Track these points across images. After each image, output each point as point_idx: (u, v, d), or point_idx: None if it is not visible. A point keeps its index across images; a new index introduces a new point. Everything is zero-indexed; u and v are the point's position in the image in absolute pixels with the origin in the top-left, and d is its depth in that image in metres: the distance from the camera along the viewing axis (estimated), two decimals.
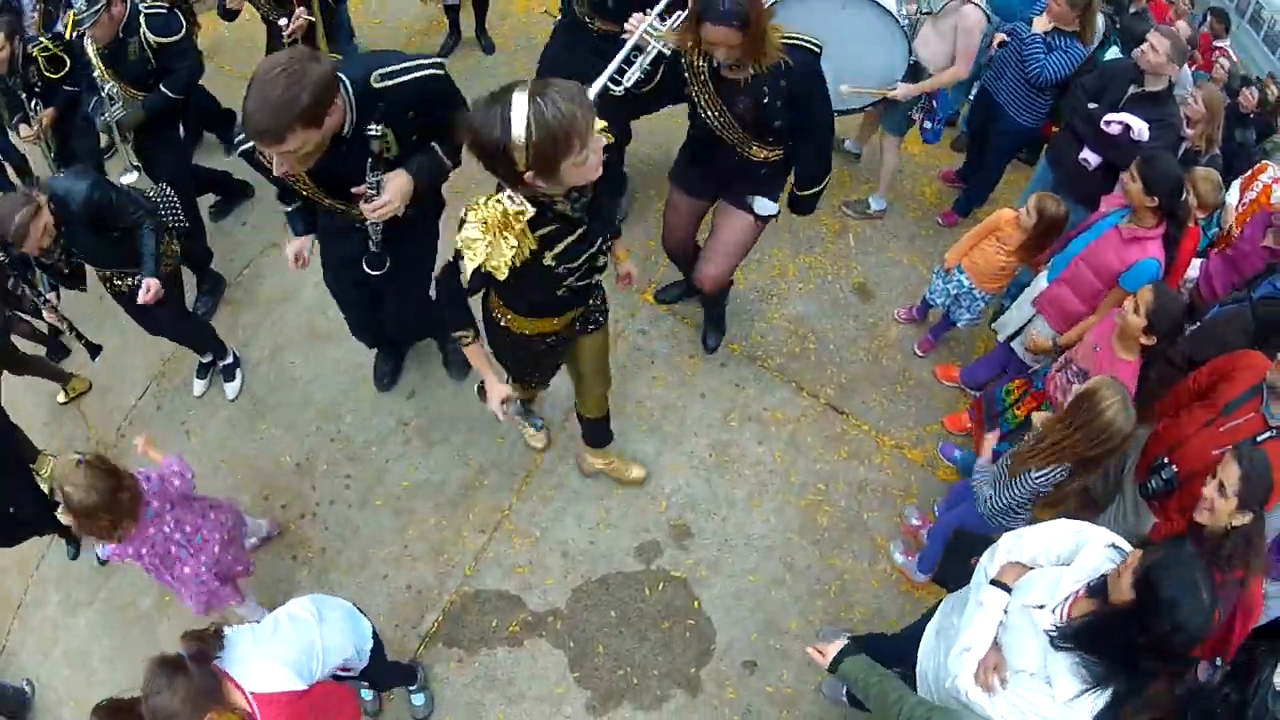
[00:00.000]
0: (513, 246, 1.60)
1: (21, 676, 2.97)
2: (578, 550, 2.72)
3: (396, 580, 2.73)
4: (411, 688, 2.50)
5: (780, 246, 3.26)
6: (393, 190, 1.97)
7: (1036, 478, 2.02)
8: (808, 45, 2.15)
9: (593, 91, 2.63)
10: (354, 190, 1.97)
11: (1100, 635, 1.45)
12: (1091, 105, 2.97)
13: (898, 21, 2.94)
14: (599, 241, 1.82)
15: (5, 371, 3.05)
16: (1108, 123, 2.87)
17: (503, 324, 2.02)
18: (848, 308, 3.16)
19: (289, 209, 2.28)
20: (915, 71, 3.06)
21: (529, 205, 1.57)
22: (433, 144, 2.03)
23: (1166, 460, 2.39)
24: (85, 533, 2.11)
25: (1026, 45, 2.98)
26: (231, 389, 3.13)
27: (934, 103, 3.21)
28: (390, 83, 1.85)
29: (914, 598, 2.72)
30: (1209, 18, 4.27)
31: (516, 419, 1.85)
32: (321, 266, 2.52)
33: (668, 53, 2.27)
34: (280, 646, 1.81)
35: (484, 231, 1.58)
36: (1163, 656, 1.44)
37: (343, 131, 1.84)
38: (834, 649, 1.75)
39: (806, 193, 2.51)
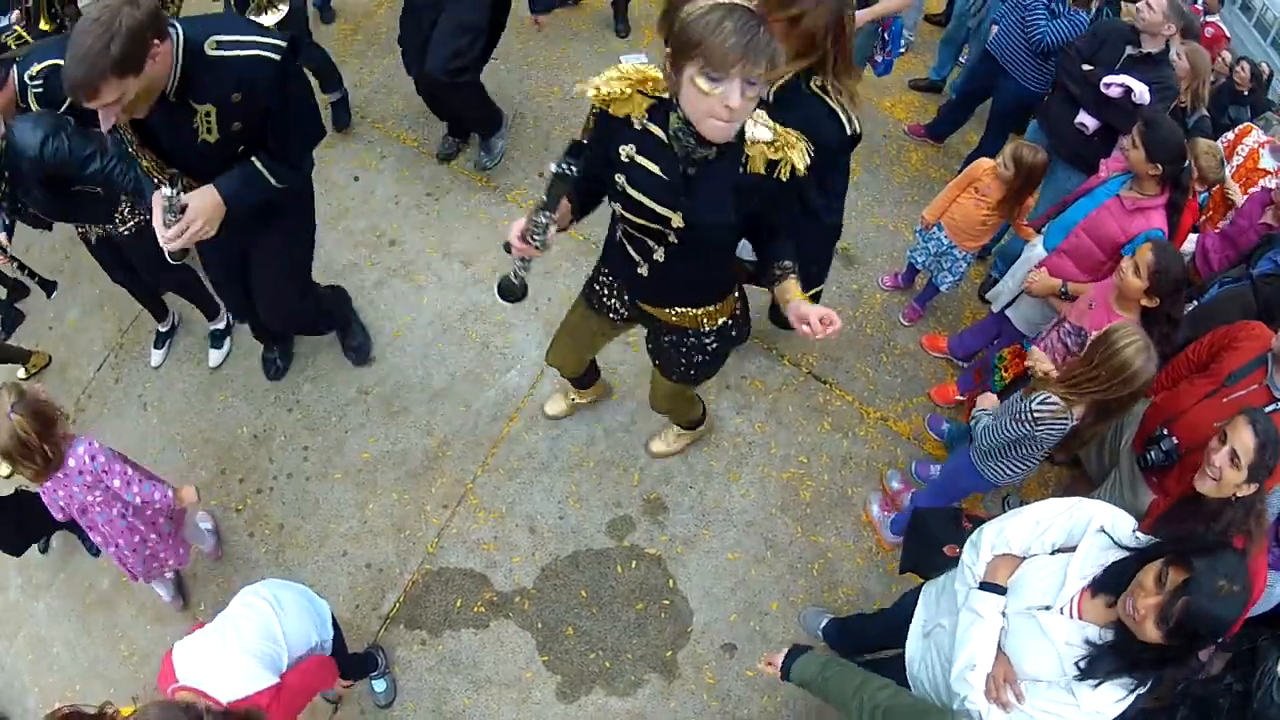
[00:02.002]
0: (639, 100, 1.35)
1: None
2: (546, 526, 2.45)
3: (356, 558, 2.46)
4: (373, 674, 2.23)
5: None
6: (195, 210, 1.66)
7: (1038, 409, 1.78)
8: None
9: None
10: (152, 203, 1.67)
11: (1135, 665, 1.24)
12: (1086, 67, 2.73)
13: None
14: (682, 222, 1.40)
15: None
16: (1108, 85, 2.63)
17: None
18: (832, 273, 2.89)
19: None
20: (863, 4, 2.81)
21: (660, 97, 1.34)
22: (253, 158, 1.73)
23: (1166, 432, 2.16)
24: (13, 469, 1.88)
25: (1029, 10, 2.77)
26: (215, 356, 2.84)
27: (885, 35, 2.96)
28: (222, 53, 1.59)
29: (900, 577, 2.45)
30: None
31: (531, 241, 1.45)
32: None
33: None
34: (242, 645, 1.62)
35: (620, 77, 1.36)
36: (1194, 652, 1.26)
37: (167, 91, 1.59)
38: (780, 657, 1.57)
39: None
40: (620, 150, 1.38)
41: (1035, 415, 1.81)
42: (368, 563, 2.46)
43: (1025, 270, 2.48)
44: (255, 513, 2.60)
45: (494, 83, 3.39)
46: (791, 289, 1.45)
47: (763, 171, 1.34)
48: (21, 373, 3.14)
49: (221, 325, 2.84)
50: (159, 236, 1.68)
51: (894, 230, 3.04)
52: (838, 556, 2.49)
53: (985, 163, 2.59)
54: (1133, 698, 1.26)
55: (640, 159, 1.37)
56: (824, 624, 2.34)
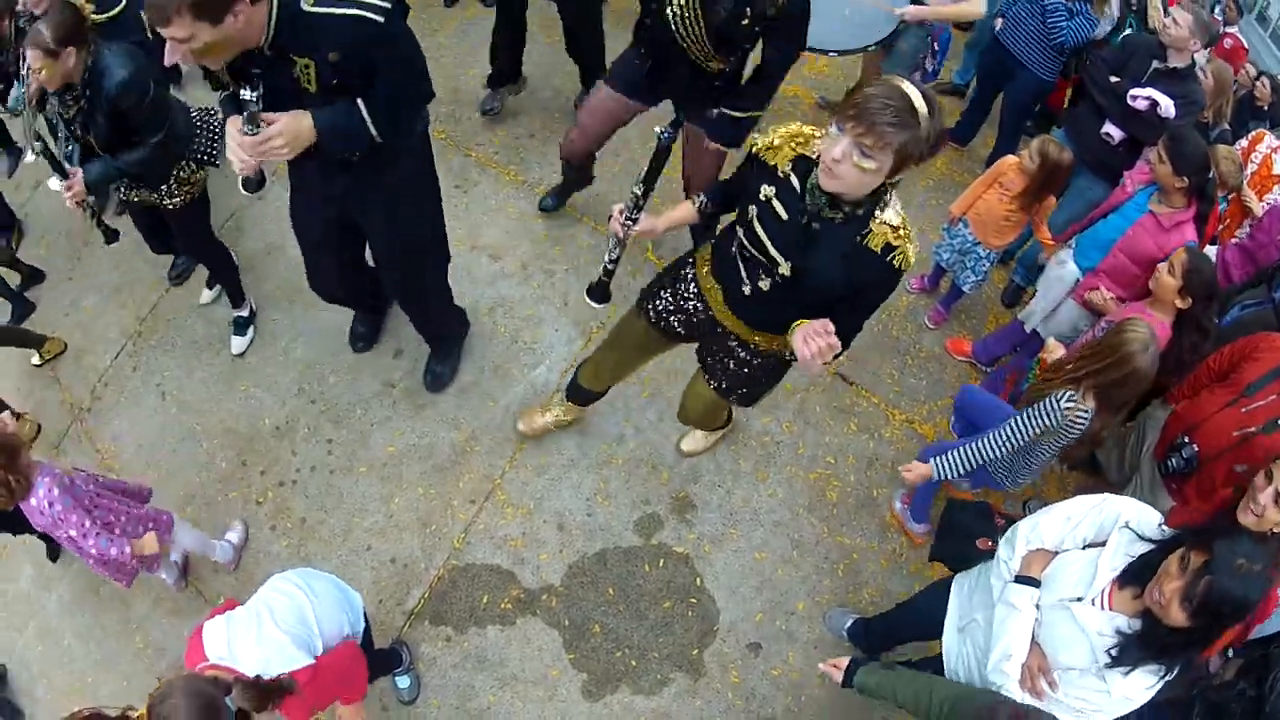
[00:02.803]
0: (786, 151, 1.43)
1: None
2: (574, 523, 2.42)
3: (381, 553, 2.41)
4: (396, 671, 2.19)
5: None
6: (280, 126, 1.58)
7: (1065, 405, 1.81)
8: None
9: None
10: (230, 121, 1.62)
11: (1160, 651, 1.29)
12: (1114, 79, 2.73)
13: None
14: (789, 271, 1.46)
15: None
16: (1134, 97, 2.64)
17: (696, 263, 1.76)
18: None
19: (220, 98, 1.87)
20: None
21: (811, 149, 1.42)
22: (357, 101, 1.65)
23: (1187, 439, 2.17)
24: None
25: (1050, 12, 2.77)
26: (238, 343, 2.79)
27: (935, 45, 2.97)
28: (323, 10, 1.52)
29: (923, 578, 2.45)
30: (1218, 6, 4.06)
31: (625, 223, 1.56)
32: (290, 195, 2.12)
33: None
34: (276, 627, 1.58)
35: (785, 136, 1.46)
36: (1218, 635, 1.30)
37: (261, 45, 1.53)
38: (844, 662, 1.59)
39: (742, 116, 2.24)
40: (762, 188, 1.46)
41: (1064, 414, 1.83)
42: (392, 557, 2.41)
43: (1058, 289, 2.49)
44: (277, 506, 2.54)
45: (539, 74, 3.34)
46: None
47: (878, 250, 1.37)
48: (36, 357, 3.07)
49: (245, 313, 2.79)
50: (230, 150, 1.60)
51: (920, 233, 3.02)
52: (862, 557, 2.48)
53: (1011, 159, 2.59)
54: (1161, 684, 1.30)
55: (775, 202, 1.44)
56: (849, 624, 2.32)
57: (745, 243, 1.52)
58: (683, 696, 2.26)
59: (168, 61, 1.51)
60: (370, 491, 2.49)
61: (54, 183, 2.98)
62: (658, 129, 1.48)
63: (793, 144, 1.44)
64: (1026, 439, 1.91)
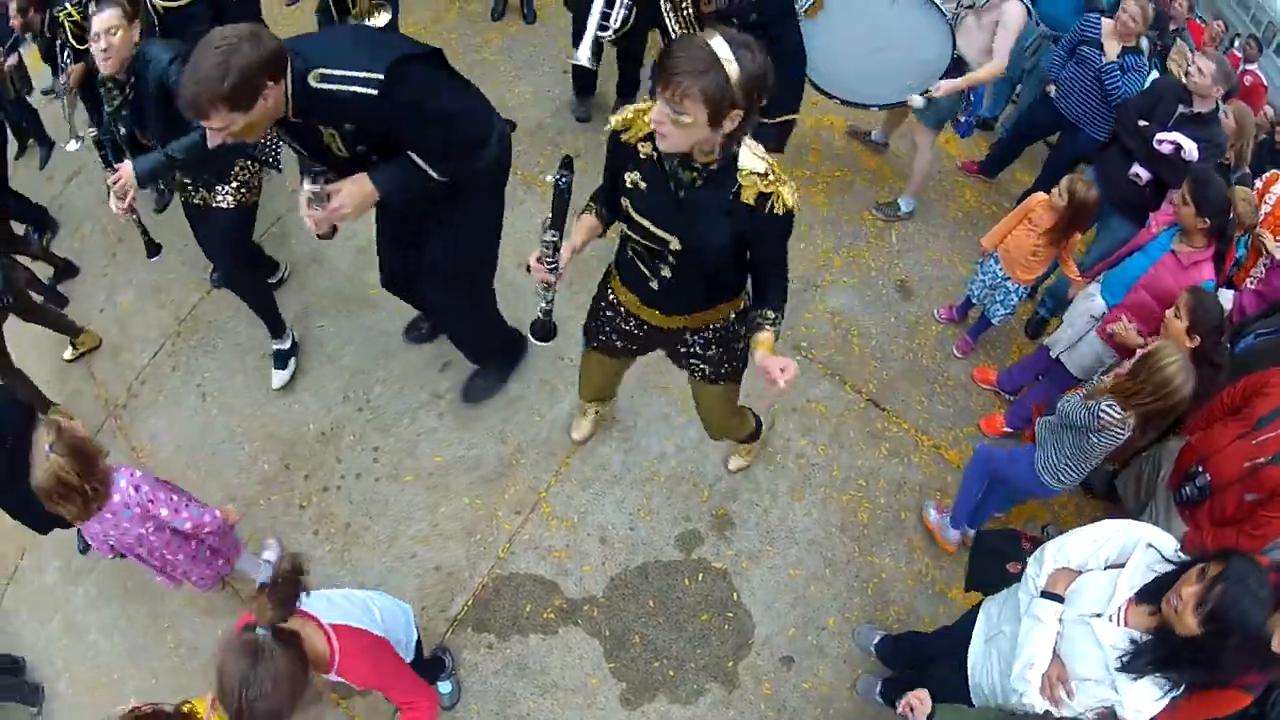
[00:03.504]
0: (640, 125, 1.42)
1: (14, 646, 2.63)
2: (617, 536, 2.48)
3: (425, 560, 2.47)
4: (438, 676, 2.24)
5: (825, 237, 3.08)
6: (342, 198, 1.69)
7: (1104, 412, 1.94)
8: None
9: (584, 49, 2.49)
10: (299, 195, 1.73)
11: (1171, 661, 1.39)
12: (1142, 122, 2.85)
13: (944, 16, 2.78)
14: (680, 245, 1.48)
15: (12, 317, 2.69)
16: (1160, 141, 2.75)
17: (610, 280, 1.80)
18: (890, 304, 2.98)
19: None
20: (957, 64, 2.91)
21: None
22: (407, 154, 1.72)
23: (1201, 469, 2.30)
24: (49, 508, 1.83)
25: (1107, 74, 2.92)
26: (279, 378, 2.75)
27: (971, 97, 3.08)
28: (324, 87, 1.58)
29: (947, 598, 2.56)
30: (1238, 40, 4.20)
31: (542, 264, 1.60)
32: None
33: None
34: (338, 605, 1.62)
35: (639, 110, 1.45)
36: (1238, 662, 1.38)
37: (286, 115, 1.60)
38: (926, 704, 1.64)
39: (774, 121, 2.35)
40: (626, 177, 1.48)
41: (1101, 418, 1.95)
42: (437, 565, 2.46)
43: (1084, 321, 2.59)
44: (320, 511, 2.58)
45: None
46: (764, 340, 1.56)
47: (753, 203, 1.40)
48: (69, 351, 3.08)
49: (286, 345, 2.76)
50: (303, 212, 1.71)
51: (948, 264, 3.13)
52: (890, 577, 2.57)
53: (1040, 196, 2.70)
54: (1168, 699, 1.40)
55: (642, 184, 1.47)
56: (876, 640, 2.42)
57: (634, 236, 1.54)
58: (717, 707, 2.34)
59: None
60: (416, 500, 2.54)
61: (71, 146, 2.94)
62: (551, 177, 1.50)
63: (645, 118, 1.43)
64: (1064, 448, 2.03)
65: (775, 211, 1.39)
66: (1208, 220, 2.32)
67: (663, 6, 2.06)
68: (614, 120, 1.48)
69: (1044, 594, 1.58)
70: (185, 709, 1.57)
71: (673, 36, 2.08)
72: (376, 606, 1.74)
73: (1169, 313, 2.21)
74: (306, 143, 1.69)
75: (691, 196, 1.41)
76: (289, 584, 1.42)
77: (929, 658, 2.27)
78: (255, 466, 2.68)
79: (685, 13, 2.04)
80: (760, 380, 1.51)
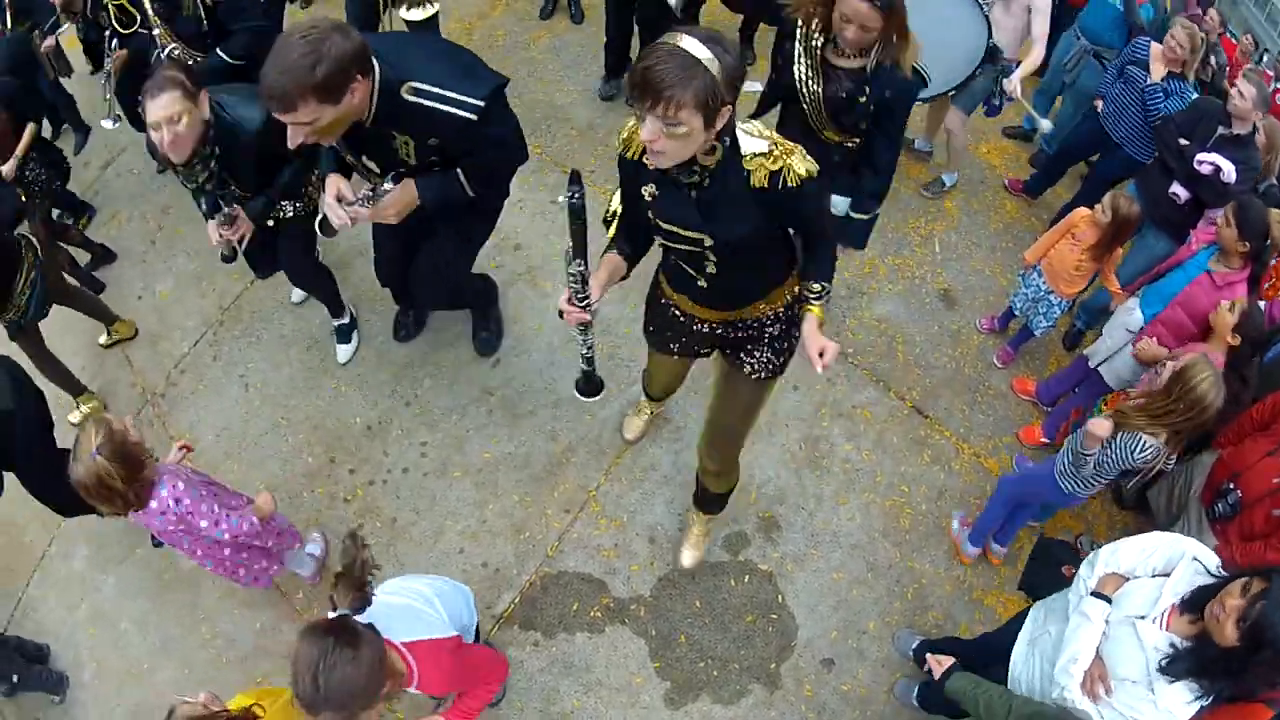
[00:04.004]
0: (637, 140, 1.36)
1: (39, 633, 2.62)
2: (665, 537, 2.51)
3: (473, 556, 2.48)
4: None
5: (871, 245, 3.09)
6: (390, 201, 1.76)
7: (1145, 447, 1.99)
8: (921, 73, 2.05)
9: None
10: (345, 198, 1.75)
11: (1209, 669, 1.46)
12: (1183, 142, 2.91)
13: (980, 7, 2.82)
14: (711, 240, 1.45)
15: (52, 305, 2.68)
16: (1200, 162, 2.82)
17: (658, 285, 1.81)
18: (934, 313, 3.03)
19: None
20: (991, 54, 2.96)
21: None
22: (457, 170, 1.79)
23: (1232, 485, 2.36)
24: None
25: (1150, 94, 2.97)
26: (344, 352, 2.80)
27: (1003, 82, 3.11)
28: (418, 101, 1.61)
29: (983, 605, 2.61)
30: (1268, 56, 4.26)
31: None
32: None
33: None
34: (405, 603, 1.64)
35: (633, 127, 1.41)
36: (1266, 676, 1.45)
37: (364, 121, 1.63)
38: (947, 663, 1.79)
39: (866, 216, 2.38)
40: (643, 190, 1.46)
41: (1140, 459, 2.01)
42: (484, 561, 2.48)
43: (1123, 333, 2.65)
44: (366, 505, 2.59)
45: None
46: (813, 309, 1.58)
47: (766, 185, 1.36)
48: (104, 337, 3.07)
49: (346, 320, 2.80)
50: (330, 207, 1.72)
51: (989, 275, 3.17)
52: (930, 582, 2.61)
53: (1083, 211, 2.75)
54: (1199, 706, 1.48)
55: (658, 193, 1.45)
56: (915, 645, 2.45)
57: (669, 243, 1.54)
58: (759, 708, 2.37)
59: (291, 144, 1.58)
60: (465, 496, 2.55)
61: (107, 123, 2.91)
62: (561, 197, 1.44)
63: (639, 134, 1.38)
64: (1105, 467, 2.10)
65: (790, 184, 1.35)
66: (1248, 244, 2.40)
67: (797, 34, 2.04)
68: (617, 141, 1.49)
69: (1094, 593, 1.66)
70: (247, 708, 1.57)
71: (797, 63, 2.06)
72: (436, 595, 1.74)
73: (1225, 303, 2.30)
74: (374, 150, 1.73)
75: (706, 195, 1.39)
76: (359, 565, 1.44)
77: (966, 666, 2.33)
78: (299, 459, 2.69)
79: (815, 48, 2.02)
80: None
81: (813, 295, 1.58)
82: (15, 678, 2.42)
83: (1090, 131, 3.26)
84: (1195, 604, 1.51)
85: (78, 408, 2.92)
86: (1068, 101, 3.48)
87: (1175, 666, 1.48)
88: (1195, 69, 3.11)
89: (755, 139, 1.35)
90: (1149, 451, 2.00)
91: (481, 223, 2.18)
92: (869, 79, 2.01)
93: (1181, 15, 3.56)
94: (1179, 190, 2.91)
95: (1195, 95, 3.02)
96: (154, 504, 1.82)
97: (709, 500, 2.27)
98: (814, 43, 2.02)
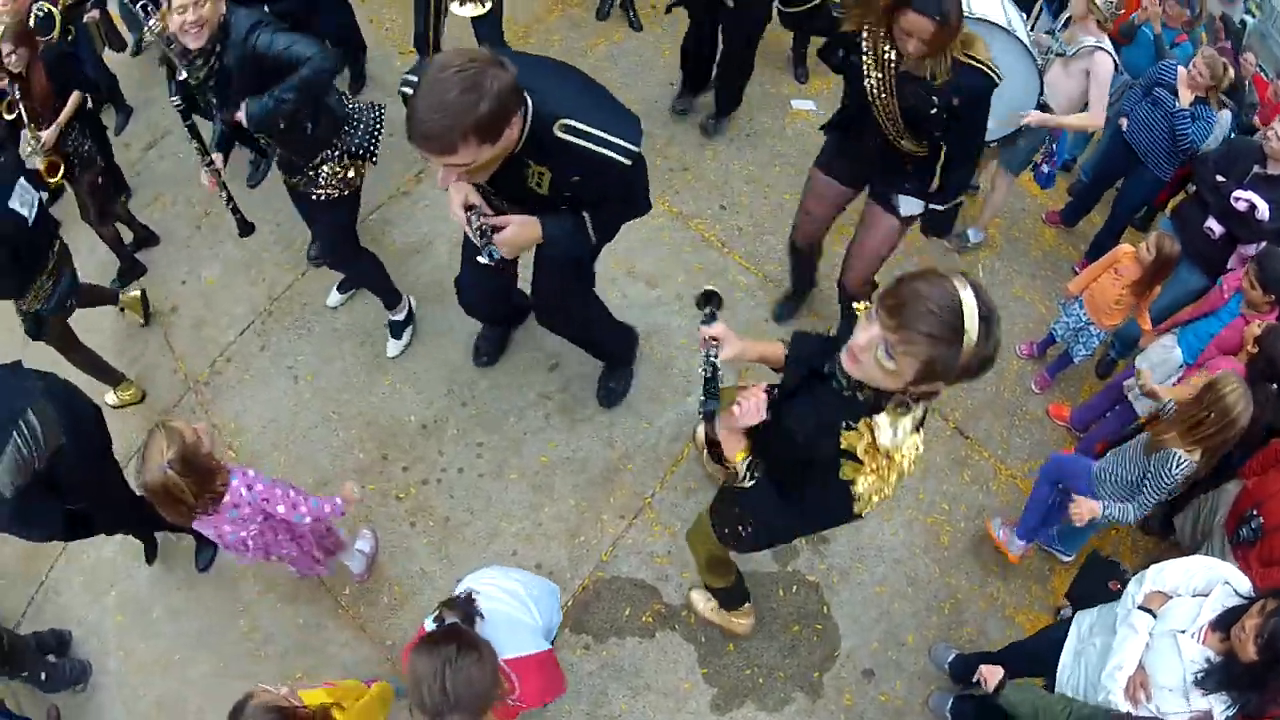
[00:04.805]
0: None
1: (61, 619, 2.61)
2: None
3: (526, 559, 2.53)
4: None
5: (918, 268, 3.20)
6: (508, 239, 1.70)
7: (1182, 462, 2.13)
8: (990, 73, 2.07)
9: None
10: (475, 205, 1.71)
11: (1235, 682, 1.65)
12: (1219, 179, 3.03)
13: (1034, 59, 2.91)
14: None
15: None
16: (1236, 199, 2.94)
17: None
18: None
19: None
20: (1042, 110, 3.05)
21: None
22: (584, 213, 1.72)
23: (1255, 513, 2.52)
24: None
25: (1178, 119, 3.08)
26: (394, 346, 2.82)
27: (1054, 145, 3.22)
28: (570, 139, 1.54)
29: (1014, 622, 2.73)
30: None
31: None
32: None
33: None
34: (507, 612, 1.67)
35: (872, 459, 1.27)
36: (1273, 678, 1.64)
37: (511, 153, 1.54)
38: (998, 674, 1.93)
39: (944, 208, 2.42)
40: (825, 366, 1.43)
41: (1178, 475, 2.15)
42: (538, 564, 2.53)
43: (1164, 372, 2.77)
44: (419, 503, 2.62)
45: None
46: None
47: (836, 461, 1.33)
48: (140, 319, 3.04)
49: (401, 316, 2.82)
50: (460, 216, 1.71)
51: (1029, 301, 3.29)
52: (966, 599, 2.72)
53: (1127, 248, 2.87)
54: (1228, 714, 1.67)
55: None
56: (951, 658, 2.56)
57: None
58: (801, 715, 2.46)
59: (441, 184, 1.55)
60: (520, 499, 2.60)
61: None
62: (704, 345, 1.53)
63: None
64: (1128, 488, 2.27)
65: (848, 490, 1.31)
66: (1274, 296, 2.55)
67: (864, 47, 2.06)
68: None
69: (1140, 608, 1.84)
70: (325, 706, 1.60)
71: (867, 76, 2.10)
72: (530, 597, 1.79)
73: (1250, 330, 2.45)
74: (500, 178, 1.61)
75: (819, 392, 1.38)
76: (466, 603, 1.50)
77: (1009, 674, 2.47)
78: (350, 454, 2.71)
79: (887, 60, 2.07)
80: None
81: None
82: (43, 675, 2.40)
83: (1117, 151, 3.38)
84: (1225, 623, 1.70)
85: (115, 392, 2.91)
86: (1107, 132, 3.61)
87: (1208, 680, 1.67)
88: (1219, 93, 3.23)
89: (894, 429, 1.26)
90: (1185, 467, 2.13)
91: (578, 264, 2.11)
92: (937, 87, 2.05)
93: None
94: (1213, 225, 3.05)
95: (1216, 116, 3.12)
96: (226, 497, 1.80)
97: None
98: (885, 55, 2.07)
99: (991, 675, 1.93)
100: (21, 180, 2.27)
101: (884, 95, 2.13)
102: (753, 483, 1.55)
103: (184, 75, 2.11)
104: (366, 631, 2.48)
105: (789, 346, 1.57)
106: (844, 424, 1.28)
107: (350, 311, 2.94)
